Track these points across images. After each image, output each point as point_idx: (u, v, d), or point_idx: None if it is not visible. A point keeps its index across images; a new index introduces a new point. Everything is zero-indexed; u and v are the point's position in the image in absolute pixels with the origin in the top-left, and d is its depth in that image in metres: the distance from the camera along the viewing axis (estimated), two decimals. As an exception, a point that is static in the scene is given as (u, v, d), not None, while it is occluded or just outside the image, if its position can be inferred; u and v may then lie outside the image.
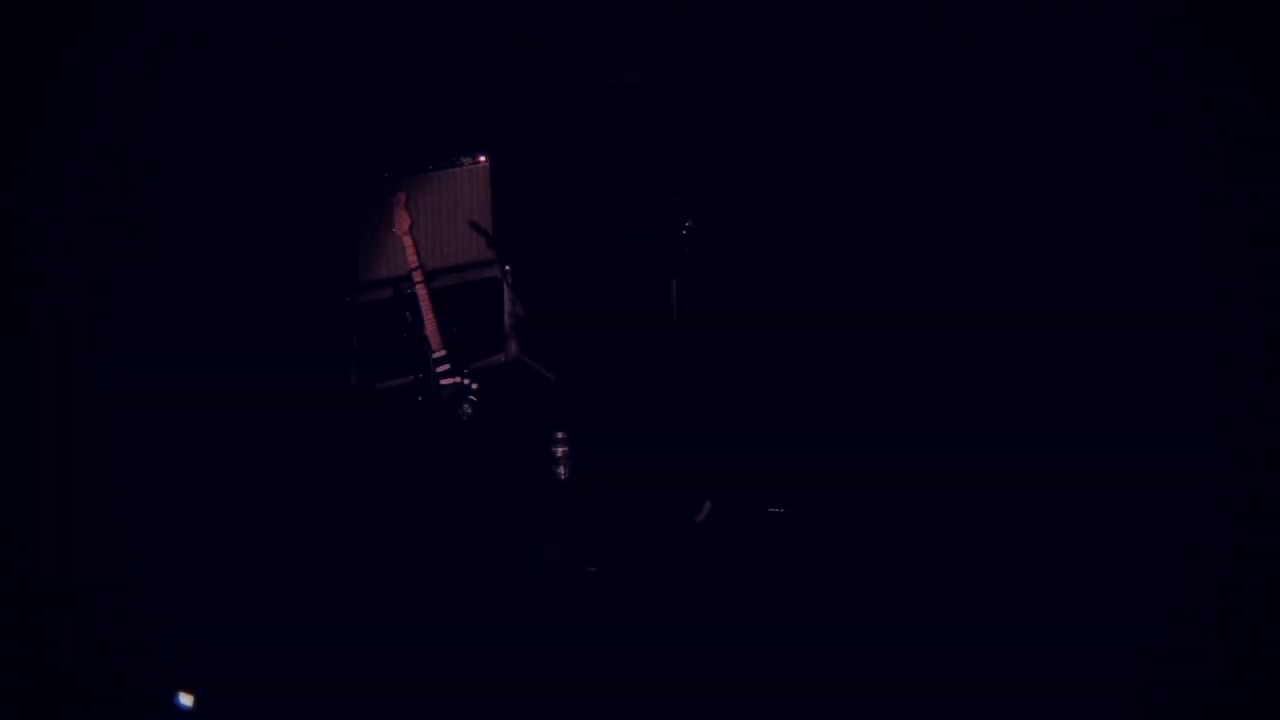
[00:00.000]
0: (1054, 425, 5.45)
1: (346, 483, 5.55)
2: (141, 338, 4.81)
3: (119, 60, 4.62)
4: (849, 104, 6.96)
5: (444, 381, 5.87)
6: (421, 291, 5.82)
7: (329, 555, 5.05)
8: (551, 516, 5.52)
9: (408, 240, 5.81)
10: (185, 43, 4.81)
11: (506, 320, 6.35)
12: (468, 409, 5.93)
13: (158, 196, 4.78)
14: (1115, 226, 5.46)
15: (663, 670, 4.63)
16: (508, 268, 6.21)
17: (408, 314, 5.84)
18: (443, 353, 5.87)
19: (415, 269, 5.81)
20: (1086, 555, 4.93)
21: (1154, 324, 5.41)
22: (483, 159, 6.08)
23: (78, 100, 4.53)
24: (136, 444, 4.79)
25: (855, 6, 6.96)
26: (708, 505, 5.38)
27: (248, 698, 4.46)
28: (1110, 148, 5.56)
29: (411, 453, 5.84)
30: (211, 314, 5.02)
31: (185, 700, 4.26)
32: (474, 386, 5.94)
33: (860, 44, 6.88)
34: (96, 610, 4.39)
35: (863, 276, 6.57)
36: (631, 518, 5.45)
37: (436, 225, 6.07)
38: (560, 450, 5.69)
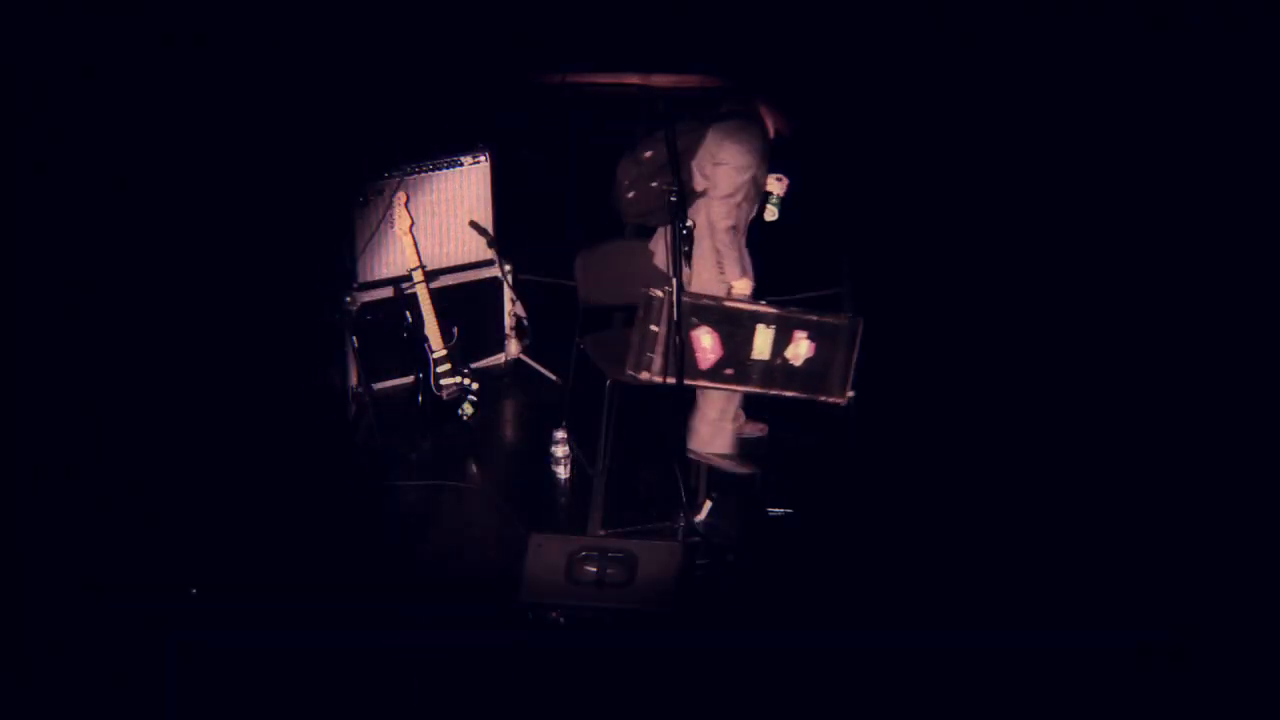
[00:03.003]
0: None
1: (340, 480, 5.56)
2: (137, 339, 4.80)
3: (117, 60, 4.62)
4: (849, 103, 6.97)
5: (444, 381, 5.87)
6: (421, 291, 5.82)
7: (323, 553, 5.05)
8: (551, 516, 5.52)
9: (408, 240, 5.81)
10: (185, 41, 4.80)
11: (506, 320, 6.36)
12: (468, 409, 5.94)
13: (153, 197, 4.78)
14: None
15: (663, 670, 4.64)
16: (508, 268, 6.22)
17: (408, 314, 5.84)
18: (443, 353, 5.87)
19: (415, 269, 5.81)
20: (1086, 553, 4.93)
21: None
22: (483, 157, 6.09)
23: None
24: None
25: (855, 6, 6.97)
26: (708, 504, 5.38)
27: (250, 698, 4.47)
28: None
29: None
30: (209, 314, 5.01)
31: None
32: (474, 386, 5.94)
33: (860, 43, 6.88)
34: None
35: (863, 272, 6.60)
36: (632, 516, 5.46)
37: (436, 225, 6.08)
38: (560, 450, 5.68)
